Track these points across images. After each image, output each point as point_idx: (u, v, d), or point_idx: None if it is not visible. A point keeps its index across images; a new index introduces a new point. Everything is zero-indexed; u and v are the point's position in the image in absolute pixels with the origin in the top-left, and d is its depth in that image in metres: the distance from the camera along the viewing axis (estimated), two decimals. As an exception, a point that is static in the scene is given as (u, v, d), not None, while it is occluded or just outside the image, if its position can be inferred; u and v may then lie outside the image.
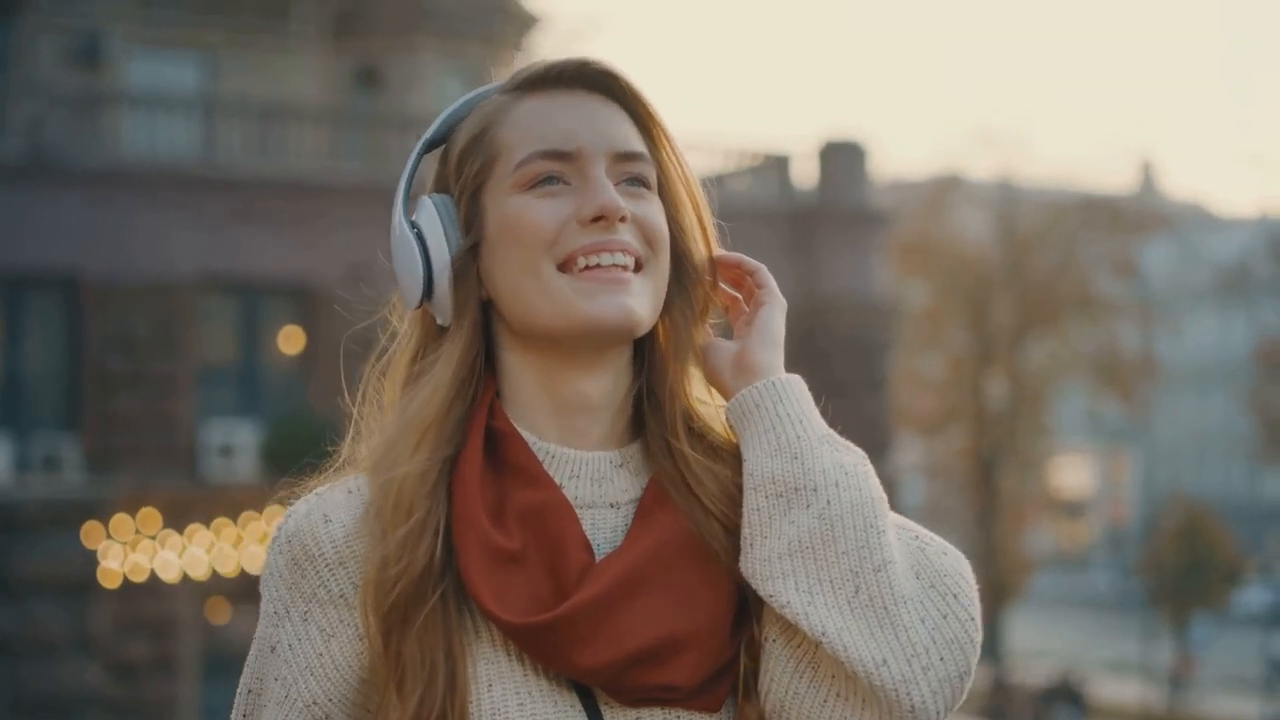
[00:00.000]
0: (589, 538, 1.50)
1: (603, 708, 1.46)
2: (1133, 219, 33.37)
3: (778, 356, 1.54)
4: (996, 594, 30.49)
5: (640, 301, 1.50)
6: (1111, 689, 31.83)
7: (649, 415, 1.57)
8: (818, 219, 21.94)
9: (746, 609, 1.50)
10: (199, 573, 18.32)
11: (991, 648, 30.17)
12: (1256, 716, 27.09)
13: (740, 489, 1.52)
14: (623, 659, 1.44)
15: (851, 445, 1.52)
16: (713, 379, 1.57)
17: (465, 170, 1.55)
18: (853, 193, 22.36)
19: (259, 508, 18.83)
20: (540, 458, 1.53)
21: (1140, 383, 33.75)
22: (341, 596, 1.49)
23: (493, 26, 23.63)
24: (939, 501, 33.56)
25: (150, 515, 18.21)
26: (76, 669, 17.27)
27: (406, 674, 1.45)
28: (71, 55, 21.08)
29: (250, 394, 20.32)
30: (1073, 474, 56.61)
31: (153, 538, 18.17)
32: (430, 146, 1.60)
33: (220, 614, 20.03)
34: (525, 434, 1.53)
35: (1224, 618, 37.64)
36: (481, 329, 1.55)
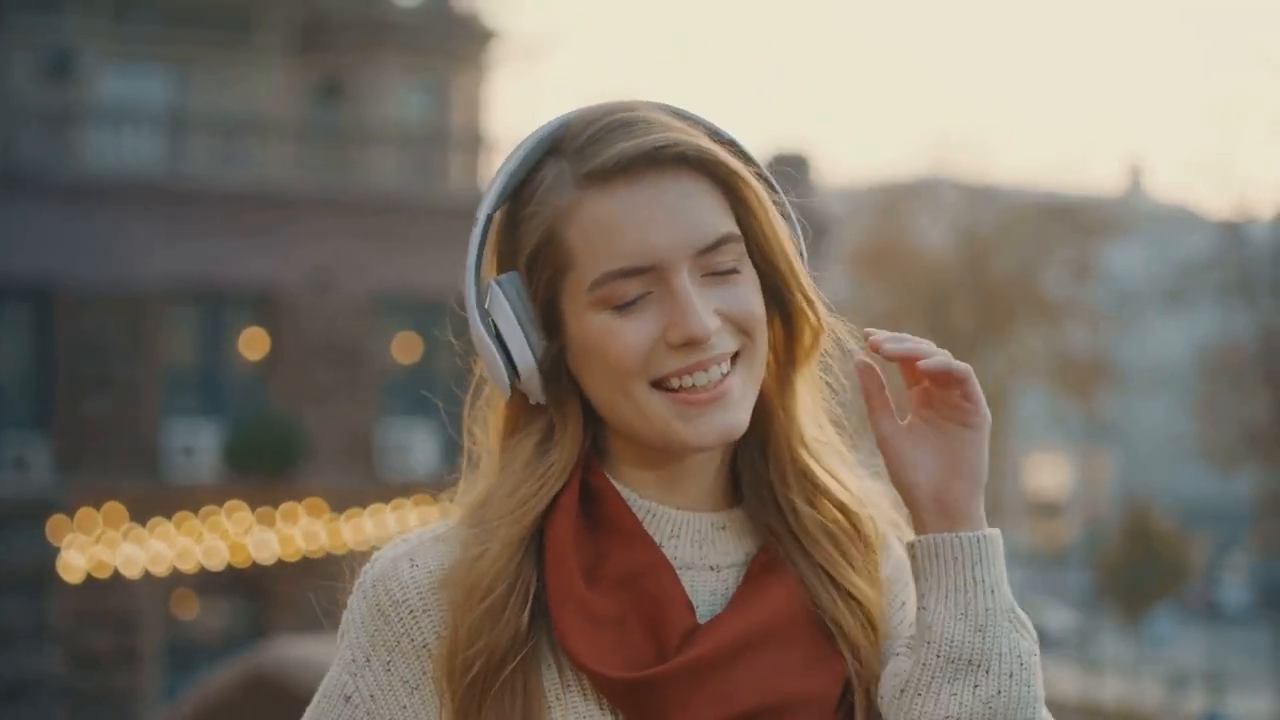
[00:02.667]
0: (689, 599, 1.45)
1: None
2: (1092, 222, 33.89)
3: (980, 499, 1.46)
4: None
5: (741, 407, 1.44)
6: (1070, 684, 32.52)
7: (751, 469, 1.52)
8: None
9: (852, 685, 1.47)
10: (161, 568, 19.07)
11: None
12: (1199, 707, 27.85)
13: (850, 532, 1.51)
14: (730, 718, 1.39)
15: (1028, 624, 1.46)
16: (900, 489, 1.48)
17: (537, 274, 1.46)
18: (800, 204, 23.03)
19: (220, 504, 19.66)
20: (639, 516, 1.47)
21: (1100, 384, 34.30)
22: (425, 647, 1.44)
23: (454, 41, 24.36)
24: (898, 504, 34.17)
25: (115, 512, 18.97)
26: (40, 659, 18.04)
27: None
28: (44, 70, 21.81)
29: (213, 397, 21.11)
30: (1051, 474, 57.22)
31: (117, 532, 18.93)
32: (492, 214, 1.49)
33: (186, 609, 20.81)
34: (622, 489, 1.48)
35: (1189, 614, 38.34)
36: (583, 414, 1.48)
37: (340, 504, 20.16)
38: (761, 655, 1.42)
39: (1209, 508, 41.97)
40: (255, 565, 19.59)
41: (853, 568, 1.49)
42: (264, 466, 20.32)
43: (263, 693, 4.76)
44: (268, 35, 23.00)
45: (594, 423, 1.49)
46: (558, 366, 1.46)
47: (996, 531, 1.47)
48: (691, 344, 1.41)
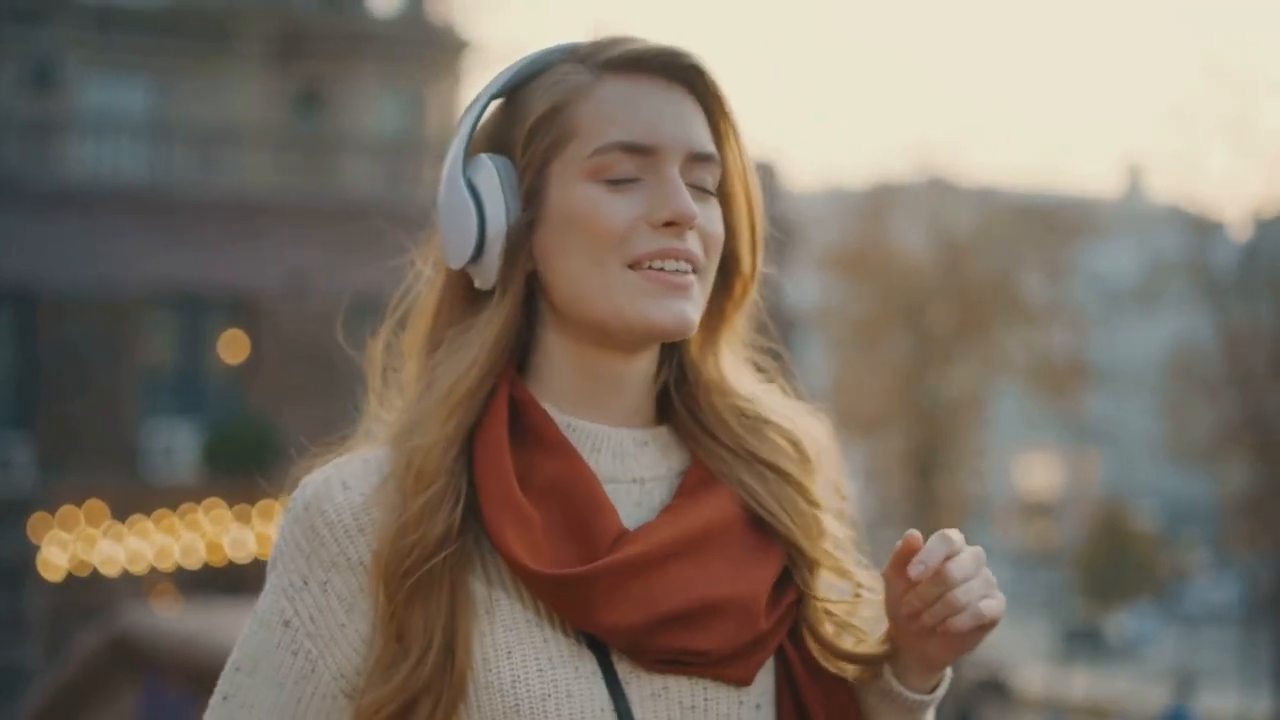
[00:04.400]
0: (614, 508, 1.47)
1: (625, 675, 1.44)
2: (1069, 223, 34.18)
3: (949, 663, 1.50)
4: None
5: (695, 308, 1.48)
6: (1048, 681, 32.92)
7: (682, 400, 1.55)
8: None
9: (790, 581, 1.51)
10: (140, 566, 19.58)
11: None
12: (1161, 701, 28.26)
13: (783, 459, 1.53)
14: (654, 619, 1.41)
15: None
16: (892, 624, 1.47)
17: (535, 142, 1.49)
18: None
19: (198, 502, 20.18)
20: (561, 429, 1.49)
21: (1078, 385, 34.56)
22: (360, 564, 1.44)
23: (429, 51, 24.88)
24: (879, 501, 34.55)
25: (96, 510, 19.50)
26: (18, 652, 18.56)
27: (404, 643, 1.42)
28: (27, 80, 22.34)
29: (192, 398, 21.66)
30: (1040, 475, 57.54)
31: (98, 530, 19.45)
32: (495, 96, 1.53)
33: (165, 606, 21.30)
34: (546, 406, 1.50)
35: (1168, 613, 38.74)
36: (524, 302, 1.51)
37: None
38: (691, 560, 1.44)
39: (1196, 507, 42.27)
40: (232, 564, 20.08)
41: (795, 479, 1.52)
42: (242, 466, 20.81)
43: (122, 653, 5.24)
44: (247, 46, 23.51)
45: (528, 345, 1.52)
46: (524, 238, 1.48)
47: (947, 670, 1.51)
48: (675, 224, 1.46)
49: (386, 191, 23.03)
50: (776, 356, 1.66)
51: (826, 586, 1.52)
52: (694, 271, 1.49)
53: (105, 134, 21.99)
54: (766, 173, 18.65)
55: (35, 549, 18.53)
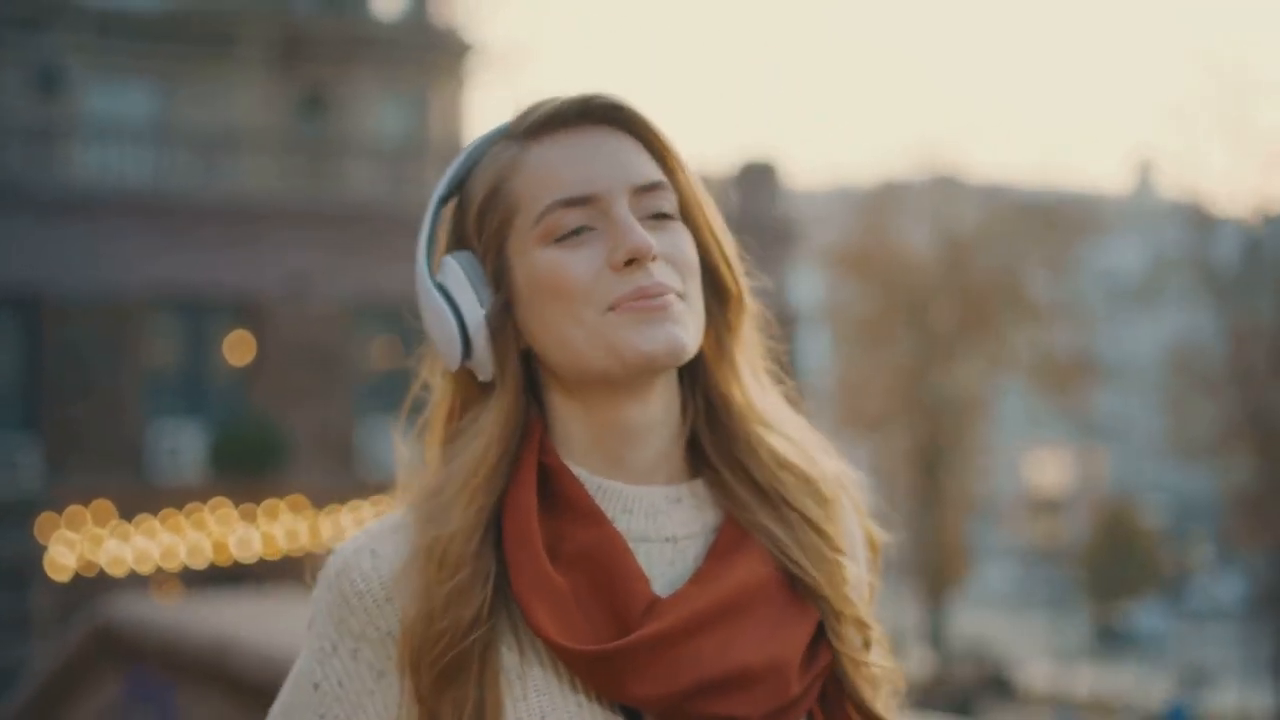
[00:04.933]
0: (645, 572, 1.46)
1: None
2: (1072, 220, 34.27)
3: None
4: (937, 585, 31.82)
5: (685, 328, 1.47)
6: (1053, 676, 33.01)
7: (710, 443, 1.54)
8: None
9: (821, 639, 1.49)
10: (146, 566, 19.78)
11: (934, 638, 31.47)
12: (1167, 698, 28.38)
13: (812, 514, 1.53)
14: (688, 688, 1.40)
15: None
16: None
17: (485, 226, 1.51)
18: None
19: (204, 501, 20.39)
20: (591, 492, 1.49)
21: (1083, 382, 34.63)
22: (389, 634, 1.46)
23: (432, 55, 25.06)
24: (884, 498, 34.60)
25: (102, 510, 19.70)
26: (24, 649, 18.76)
27: (444, 716, 1.43)
28: (31, 85, 22.55)
29: (197, 400, 21.86)
30: (1051, 471, 57.57)
31: (104, 530, 19.65)
32: (444, 200, 1.57)
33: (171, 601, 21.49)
34: (574, 468, 1.50)
35: (1176, 609, 38.80)
36: (524, 379, 1.51)
37: (321, 500, 20.87)
38: (725, 627, 1.43)
39: (1205, 504, 42.31)
40: (238, 564, 20.27)
41: (819, 526, 1.52)
42: (247, 466, 21.03)
43: (106, 643, 5.41)
44: (249, 50, 23.69)
45: (540, 406, 1.53)
46: (504, 321, 1.50)
47: None
48: (635, 260, 1.45)
49: (389, 195, 23.21)
50: (778, 359, 1.64)
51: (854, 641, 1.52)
52: (674, 294, 1.48)
53: (109, 139, 22.19)
54: (766, 173, 18.75)
55: (42, 549, 18.73)
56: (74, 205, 21.10)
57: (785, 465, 1.53)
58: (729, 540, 1.50)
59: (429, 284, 1.52)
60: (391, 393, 22.41)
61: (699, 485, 1.53)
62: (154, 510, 19.99)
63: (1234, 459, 28.29)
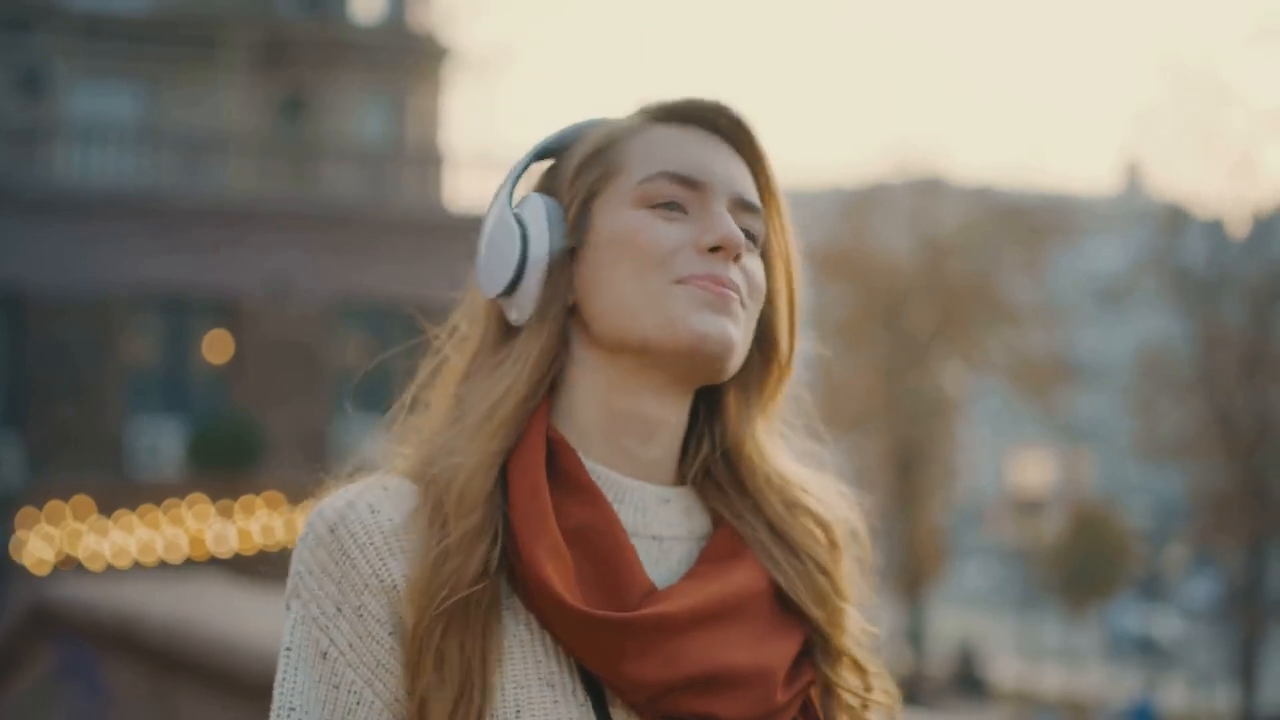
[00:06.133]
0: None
1: None
2: (1047, 223, 34.53)
3: None
4: (914, 584, 32.16)
5: (738, 332, 1.44)
6: (1028, 674, 33.34)
7: (720, 467, 1.51)
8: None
9: (805, 658, 1.47)
10: (124, 560, 20.16)
11: (911, 636, 31.82)
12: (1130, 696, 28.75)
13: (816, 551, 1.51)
14: (677, 679, 1.37)
15: None
16: None
17: (581, 178, 1.48)
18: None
19: (182, 497, 20.77)
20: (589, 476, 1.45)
21: (1060, 383, 34.90)
22: (394, 588, 1.37)
23: (411, 58, 25.44)
24: (862, 497, 34.80)
25: (82, 505, 20.08)
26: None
27: (444, 677, 1.35)
28: (16, 87, 22.93)
29: (177, 397, 22.27)
30: (1032, 472, 57.88)
31: (83, 525, 20.03)
32: (540, 156, 1.53)
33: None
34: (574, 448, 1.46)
35: (1152, 609, 39.14)
36: (561, 333, 1.46)
37: (297, 497, 21.24)
38: (720, 626, 1.40)
39: (1186, 505, 42.57)
40: (214, 558, 20.62)
41: (826, 568, 1.50)
42: (225, 463, 21.42)
43: (40, 620, 5.82)
44: (232, 53, 24.05)
45: (557, 385, 1.48)
46: (564, 265, 1.46)
47: None
48: (722, 249, 1.43)
49: (367, 196, 23.61)
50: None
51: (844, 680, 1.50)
52: (740, 298, 1.45)
53: (93, 140, 22.60)
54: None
55: (21, 543, 19.13)
56: (58, 205, 21.52)
57: (798, 507, 1.51)
58: (723, 547, 1.47)
59: (506, 207, 1.49)
60: (369, 391, 22.77)
61: (689, 492, 1.50)
62: (133, 505, 20.36)
63: (1203, 461, 28.63)
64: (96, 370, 21.60)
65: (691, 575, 1.44)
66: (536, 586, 1.36)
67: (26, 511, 19.88)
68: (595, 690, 1.39)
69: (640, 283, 1.43)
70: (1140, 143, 49.45)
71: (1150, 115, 35.81)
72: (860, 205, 34.35)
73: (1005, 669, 33.48)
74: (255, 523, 20.95)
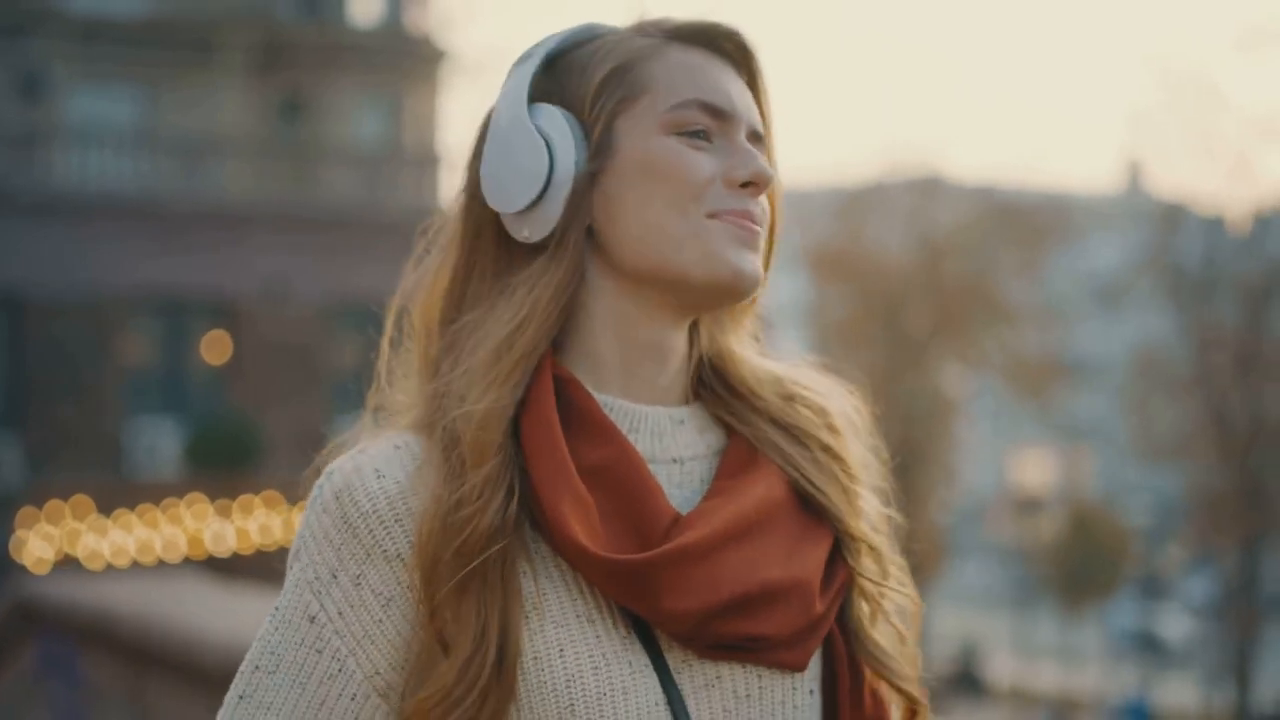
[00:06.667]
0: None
1: (676, 666, 1.38)
2: (1045, 222, 34.62)
3: None
4: (913, 582, 32.19)
5: (761, 267, 1.45)
6: (1025, 672, 33.47)
7: (716, 376, 1.50)
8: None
9: (837, 556, 1.46)
10: (122, 559, 20.32)
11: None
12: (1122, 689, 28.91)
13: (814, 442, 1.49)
14: (716, 605, 1.35)
15: None
16: None
17: (604, 95, 1.43)
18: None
19: (180, 496, 20.95)
20: (602, 409, 1.42)
21: (1058, 383, 34.98)
22: (398, 556, 1.35)
23: (407, 61, 25.59)
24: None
25: (81, 505, 20.26)
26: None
27: (458, 633, 1.33)
28: (15, 91, 23.11)
29: (175, 398, 22.46)
30: (1034, 471, 57.93)
31: (82, 524, 20.21)
32: (548, 55, 1.47)
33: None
34: (584, 385, 1.43)
35: (1155, 608, 39.23)
36: (581, 258, 1.43)
37: (294, 497, 21.41)
38: (749, 544, 1.38)
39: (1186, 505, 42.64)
40: (212, 557, 20.79)
41: (835, 453, 1.49)
42: (223, 462, 21.61)
43: (23, 616, 5.98)
44: (230, 56, 24.21)
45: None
46: (588, 189, 1.42)
47: None
48: (754, 184, 1.42)
49: (364, 198, 23.78)
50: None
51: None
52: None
53: (92, 143, 22.79)
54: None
55: (21, 542, 19.31)
56: (58, 208, 21.70)
57: (794, 397, 1.51)
58: (738, 459, 1.46)
59: (524, 118, 1.42)
60: (365, 391, 22.92)
61: (699, 408, 1.49)
62: (131, 505, 20.53)
63: (1198, 461, 28.75)
64: (96, 371, 21.79)
65: (712, 495, 1.43)
66: (561, 540, 1.34)
67: (26, 511, 20.06)
68: (639, 624, 1.37)
69: (678, 214, 1.40)
70: (1138, 144, 49.43)
71: (1145, 118, 35.90)
72: (858, 205, 34.42)
73: (1002, 668, 33.59)
74: (253, 522, 21.13)
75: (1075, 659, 33.37)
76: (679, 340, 1.46)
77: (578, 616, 1.36)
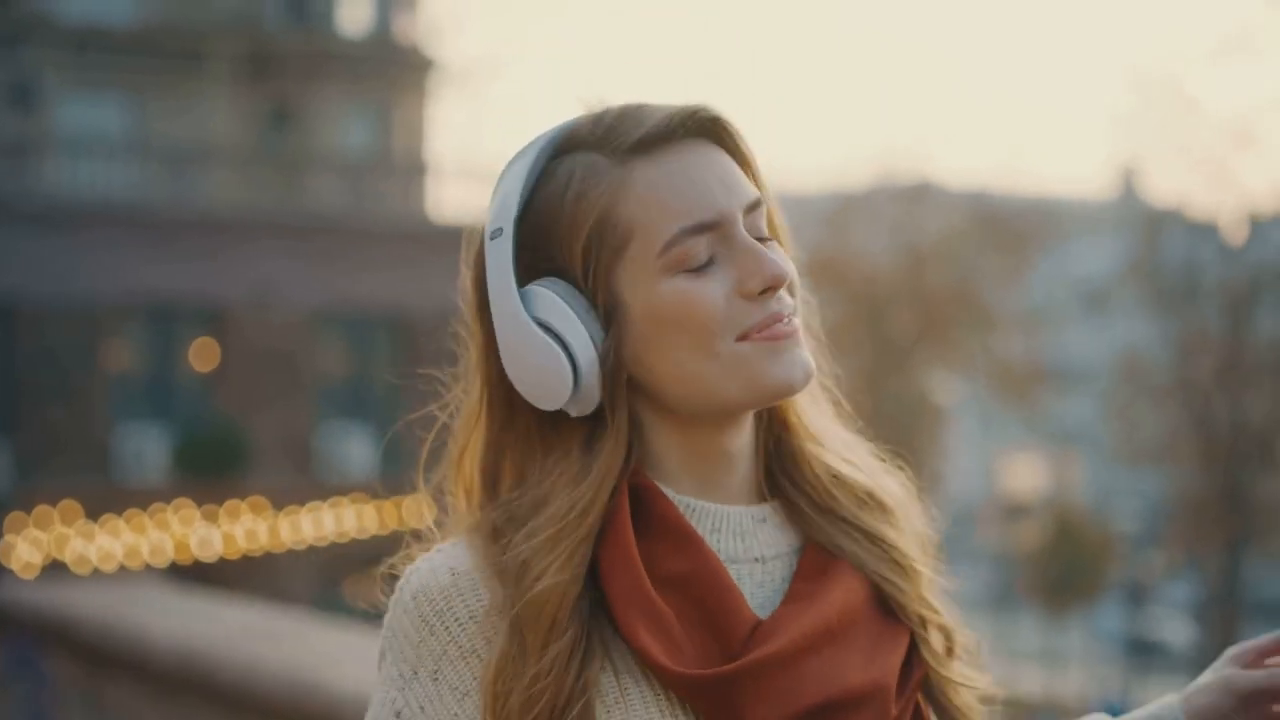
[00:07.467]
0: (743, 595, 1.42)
1: None
2: (1028, 228, 34.82)
3: None
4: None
5: (806, 350, 1.43)
6: (1009, 677, 33.70)
7: (781, 474, 1.50)
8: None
9: (912, 659, 1.46)
10: (110, 564, 20.55)
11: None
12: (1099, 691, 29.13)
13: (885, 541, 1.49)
14: (797, 713, 1.36)
15: None
16: (1222, 693, 1.57)
17: (592, 259, 1.40)
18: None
19: (168, 501, 21.18)
20: (682, 512, 1.43)
21: (1042, 388, 35.18)
22: (474, 652, 1.40)
23: (395, 70, 25.84)
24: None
25: (70, 510, 20.49)
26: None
27: None
28: (6, 100, 23.36)
29: (163, 404, 22.70)
30: (1022, 476, 58.11)
31: (70, 529, 20.43)
32: (516, 223, 1.42)
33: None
34: (663, 488, 1.44)
35: (1140, 613, 39.44)
36: (632, 412, 1.43)
37: (280, 502, 21.66)
38: (830, 650, 1.39)
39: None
40: (198, 562, 21.01)
41: (883, 538, 1.48)
42: (210, 468, 21.85)
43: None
44: (219, 65, 24.44)
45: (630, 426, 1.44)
46: (615, 359, 1.40)
47: None
48: (772, 288, 1.39)
49: (352, 207, 24.02)
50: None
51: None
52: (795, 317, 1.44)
53: (82, 152, 23.03)
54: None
55: (9, 547, 19.54)
56: (48, 216, 21.94)
57: (839, 480, 1.49)
58: (815, 561, 1.46)
59: (523, 316, 1.40)
60: (350, 398, 23.28)
61: (777, 506, 1.49)
62: (119, 510, 20.76)
63: (1181, 466, 28.96)
64: (85, 377, 22.03)
65: (791, 599, 1.43)
66: (637, 654, 1.37)
67: (15, 516, 20.28)
68: None
69: (708, 355, 1.39)
70: (1121, 151, 49.61)
71: (1126, 125, 36.13)
72: (844, 211, 34.64)
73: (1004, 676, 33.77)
74: (240, 528, 21.36)
75: (1059, 662, 33.61)
76: (745, 440, 1.47)
77: (661, 712, 1.37)
